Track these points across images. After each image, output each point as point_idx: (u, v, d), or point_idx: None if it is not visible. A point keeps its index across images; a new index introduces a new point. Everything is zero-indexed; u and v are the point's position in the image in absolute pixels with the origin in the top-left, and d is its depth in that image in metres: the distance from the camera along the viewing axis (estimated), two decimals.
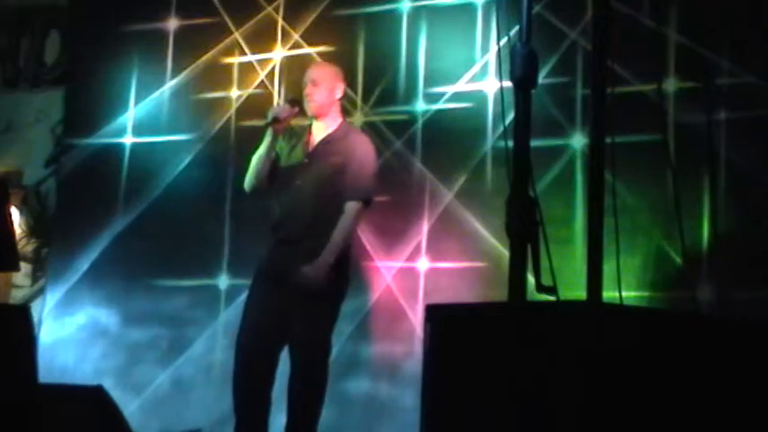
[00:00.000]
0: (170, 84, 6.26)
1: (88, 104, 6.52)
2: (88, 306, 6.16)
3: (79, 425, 3.60)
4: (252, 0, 6.09)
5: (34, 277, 6.57)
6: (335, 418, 4.94)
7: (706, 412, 2.08)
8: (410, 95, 5.65)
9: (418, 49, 5.68)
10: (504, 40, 2.67)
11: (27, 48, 6.95)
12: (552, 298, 2.42)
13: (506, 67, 2.50)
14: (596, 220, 2.36)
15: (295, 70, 5.82)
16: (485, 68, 5.47)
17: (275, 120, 4.42)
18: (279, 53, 6.01)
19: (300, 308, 4.25)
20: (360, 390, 5.35)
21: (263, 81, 6.03)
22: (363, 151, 4.49)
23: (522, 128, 2.43)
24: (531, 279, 2.37)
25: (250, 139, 5.49)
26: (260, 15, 6.09)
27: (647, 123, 4.22)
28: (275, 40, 6.04)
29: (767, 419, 2.14)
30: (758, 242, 4.72)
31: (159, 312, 5.93)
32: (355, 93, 5.70)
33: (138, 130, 6.30)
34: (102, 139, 6.37)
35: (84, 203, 6.32)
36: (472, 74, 5.49)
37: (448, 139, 5.49)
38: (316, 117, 4.52)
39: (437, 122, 5.56)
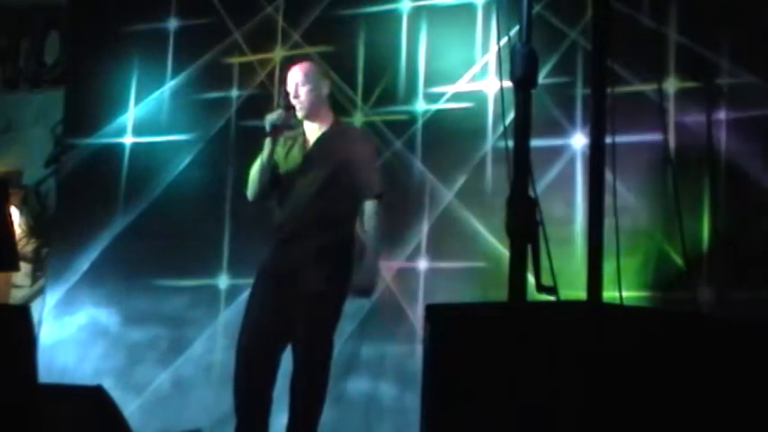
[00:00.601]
0: (170, 84, 6.27)
1: (88, 104, 6.51)
2: (88, 306, 6.16)
3: (79, 425, 3.60)
4: (252, 0, 6.10)
5: (34, 277, 6.58)
6: (335, 418, 4.94)
7: (706, 412, 2.08)
8: (410, 95, 5.65)
9: (418, 49, 5.68)
10: (504, 40, 2.67)
11: (27, 48, 6.95)
12: (552, 298, 2.42)
13: (506, 67, 2.50)
14: (596, 220, 2.36)
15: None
16: (485, 68, 5.47)
17: (274, 128, 4.40)
18: (279, 53, 6.01)
19: (303, 308, 4.24)
20: (360, 390, 5.35)
21: (263, 81, 6.03)
22: (364, 148, 4.50)
23: (522, 128, 2.43)
24: (531, 279, 2.37)
25: (250, 140, 5.49)
26: (260, 15, 6.09)
27: (647, 123, 4.22)
28: (275, 40, 6.04)
29: (767, 419, 2.14)
30: (758, 242, 4.73)
31: (159, 312, 5.93)
32: (355, 93, 5.70)
33: (138, 130, 6.31)
34: (102, 139, 6.37)
35: (84, 203, 6.32)
36: (472, 74, 5.50)
37: (448, 139, 5.50)
38: (308, 118, 4.47)
39: (437, 122, 5.56)
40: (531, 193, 2.42)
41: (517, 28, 2.54)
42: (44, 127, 6.77)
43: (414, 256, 5.44)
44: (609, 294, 2.49)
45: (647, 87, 4.76)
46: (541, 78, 2.59)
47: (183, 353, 5.85)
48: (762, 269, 4.66)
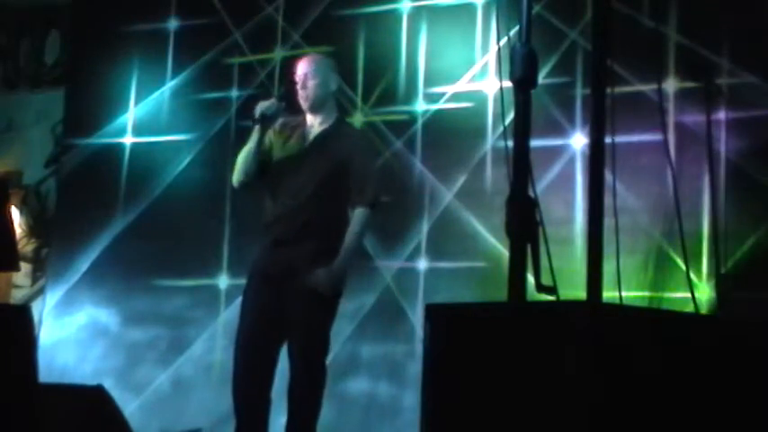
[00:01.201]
0: (170, 84, 6.27)
1: (88, 104, 6.52)
2: (88, 306, 6.16)
3: (79, 425, 3.60)
4: (252, 0, 6.10)
5: (34, 277, 6.58)
6: (335, 418, 4.94)
7: (706, 412, 2.08)
8: (410, 95, 5.66)
9: (418, 49, 5.68)
10: (504, 40, 2.67)
11: (27, 48, 6.95)
12: (552, 298, 2.42)
13: (506, 67, 2.50)
14: (596, 220, 2.36)
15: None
16: (485, 68, 5.47)
17: (264, 117, 4.29)
18: (279, 53, 6.01)
19: (298, 308, 4.22)
20: (360, 390, 5.35)
21: (263, 81, 6.03)
22: (365, 152, 4.42)
23: (522, 128, 2.43)
24: (531, 279, 2.37)
25: None
26: (260, 15, 6.09)
27: (647, 123, 4.22)
28: (275, 40, 6.05)
29: (767, 419, 2.14)
30: (758, 242, 4.73)
31: (159, 312, 5.94)
32: (355, 93, 5.70)
33: (138, 130, 6.31)
34: (102, 139, 6.37)
35: (84, 203, 6.32)
36: (472, 74, 5.50)
37: (448, 139, 5.50)
38: (311, 111, 4.37)
39: (437, 122, 5.56)
40: (531, 193, 2.42)
41: (517, 28, 2.54)
42: (44, 127, 6.77)
43: (414, 256, 5.45)
44: (609, 294, 2.49)
45: (647, 87, 4.76)
46: (541, 78, 2.59)
47: (183, 353, 5.85)
48: (762, 269, 4.66)
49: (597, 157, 2.38)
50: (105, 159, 6.32)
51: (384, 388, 5.34)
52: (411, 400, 4.98)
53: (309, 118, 4.41)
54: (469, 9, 5.55)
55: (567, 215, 5.04)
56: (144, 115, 6.31)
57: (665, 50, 5.00)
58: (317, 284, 4.16)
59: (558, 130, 5.16)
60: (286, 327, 4.25)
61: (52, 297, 6.28)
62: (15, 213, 6.40)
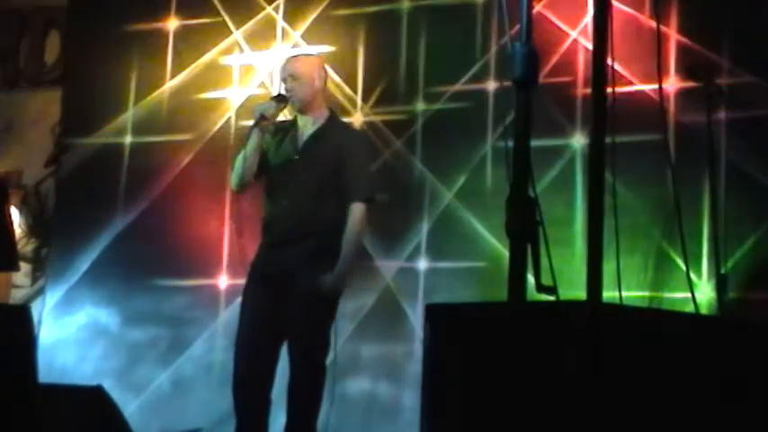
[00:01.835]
0: (170, 84, 6.26)
1: (88, 104, 6.52)
2: (88, 306, 6.16)
3: (79, 425, 3.60)
4: (252, 0, 6.10)
5: (34, 277, 6.57)
6: (335, 418, 4.94)
7: (706, 413, 2.08)
8: (410, 95, 5.65)
9: (418, 49, 5.68)
10: (504, 40, 2.67)
11: (27, 48, 6.95)
12: (552, 298, 2.42)
13: (506, 66, 2.50)
14: (596, 220, 2.36)
15: None
16: (485, 68, 5.47)
17: (263, 117, 4.30)
18: (279, 53, 6.01)
19: (297, 308, 4.22)
20: (360, 390, 5.35)
21: (263, 81, 6.03)
22: (359, 148, 4.43)
23: (522, 128, 2.43)
24: (531, 279, 2.37)
25: None
26: (260, 15, 6.09)
27: (647, 123, 4.22)
28: (275, 39, 6.05)
29: (766, 419, 2.14)
30: (758, 242, 4.73)
31: (159, 312, 5.93)
32: (355, 93, 5.70)
33: (137, 130, 6.30)
34: (101, 138, 6.37)
35: (83, 203, 6.31)
36: (472, 74, 5.49)
37: (448, 139, 5.50)
38: (301, 111, 4.38)
39: (437, 122, 5.56)
40: (531, 193, 2.42)
41: (517, 28, 2.54)
42: (44, 127, 6.76)
43: (414, 256, 5.45)
44: (609, 294, 2.49)
45: (647, 87, 4.76)
46: (541, 78, 2.58)
47: (183, 353, 5.85)
48: (762, 269, 4.66)
49: (597, 157, 2.38)
50: (105, 159, 6.32)
51: (384, 388, 5.34)
52: (411, 400, 4.98)
53: (301, 118, 4.42)
54: (469, 9, 5.55)
55: (567, 215, 5.04)
56: (143, 115, 6.31)
57: (665, 50, 5.00)
58: (322, 290, 4.17)
59: (558, 130, 5.16)
60: (285, 327, 4.25)
61: (52, 297, 6.28)
62: (15, 213, 6.40)
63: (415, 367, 4.94)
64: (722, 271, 4.59)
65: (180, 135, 6.17)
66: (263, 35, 6.07)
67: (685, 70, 4.90)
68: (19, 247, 5.49)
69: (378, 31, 5.80)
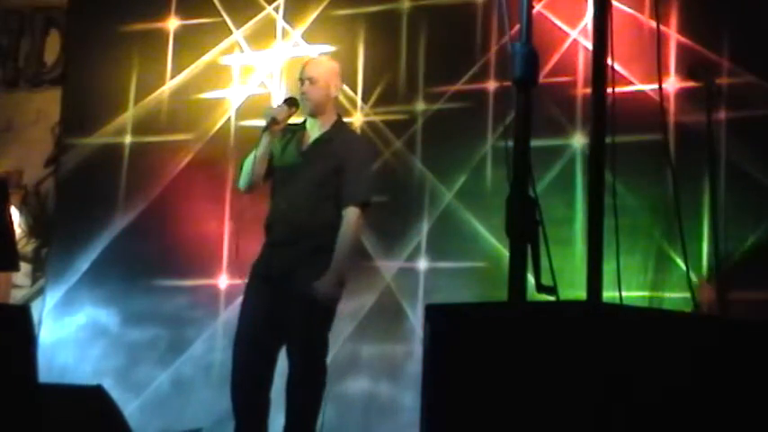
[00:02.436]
0: (170, 84, 6.26)
1: (88, 104, 6.51)
2: (88, 306, 6.16)
3: (79, 425, 3.60)
4: (252, 0, 6.10)
5: (34, 277, 6.57)
6: (335, 418, 4.94)
7: (706, 412, 2.08)
8: (410, 95, 5.65)
9: (418, 49, 5.67)
10: (504, 40, 2.67)
11: (27, 48, 6.94)
12: (552, 298, 2.42)
13: (507, 66, 2.50)
14: (596, 220, 2.36)
15: (295, 70, 5.82)
16: (485, 68, 5.47)
17: (274, 121, 4.35)
18: (279, 53, 6.01)
19: (296, 309, 4.23)
20: (360, 390, 5.35)
21: (263, 81, 6.03)
22: (360, 153, 4.45)
23: (522, 128, 2.43)
24: (531, 279, 2.37)
25: (250, 140, 5.47)
26: (260, 15, 6.09)
27: (647, 123, 4.22)
28: (275, 39, 6.04)
29: (767, 419, 2.14)
30: (758, 242, 4.73)
31: (159, 312, 5.93)
32: (355, 93, 5.70)
33: (137, 130, 6.30)
34: (101, 138, 6.37)
35: (83, 203, 6.31)
36: (472, 74, 5.49)
37: (448, 139, 5.49)
38: (312, 114, 4.43)
39: (437, 122, 5.56)
40: (531, 193, 2.42)
41: (517, 28, 2.54)
42: (44, 127, 6.76)
43: (414, 256, 5.44)
44: (609, 294, 2.49)
45: (647, 87, 4.76)
46: (541, 78, 2.58)
47: (182, 353, 5.85)
48: (762, 269, 4.66)
49: (597, 157, 2.38)
50: (105, 159, 6.32)
51: (384, 388, 5.33)
52: (411, 400, 4.98)
53: (309, 122, 4.46)
54: (469, 9, 5.55)
55: (567, 215, 5.04)
56: (143, 115, 6.31)
57: (666, 50, 5.00)
58: (318, 297, 4.18)
59: (558, 130, 5.16)
60: (285, 327, 4.26)
61: (52, 297, 6.28)
62: (15, 213, 6.40)
63: (415, 367, 4.93)
64: (722, 271, 4.59)
65: (180, 135, 6.17)
66: (263, 35, 6.07)
67: (685, 70, 4.90)
68: (19, 247, 5.48)
69: (378, 31, 5.80)
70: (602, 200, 2.38)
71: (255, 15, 6.09)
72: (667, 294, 4.71)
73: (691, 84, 4.87)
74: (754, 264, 4.69)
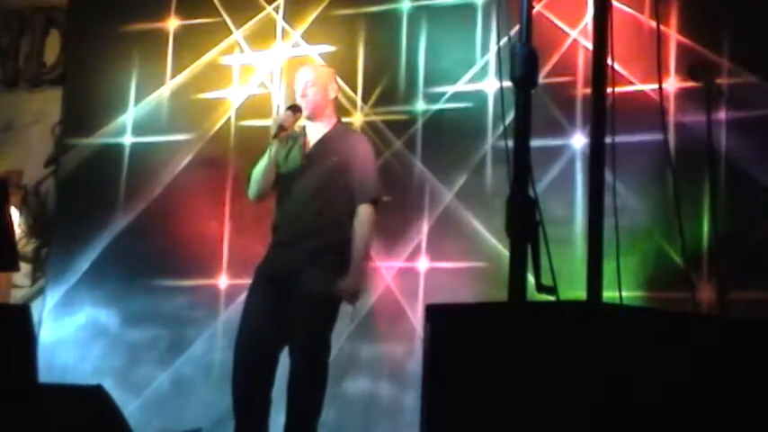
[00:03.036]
0: (170, 84, 6.26)
1: (88, 104, 6.52)
2: (88, 306, 6.16)
3: (79, 425, 3.60)
4: (252, 0, 6.10)
5: (34, 277, 6.57)
6: (335, 418, 4.94)
7: (706, 412, 2.08)
8: (410, 95, 5.66)
9: (418, 49, 5.68)
10: (504, 40, 2.67)
11: (27, 48, 6.94)
12: (552, 298, 2.42)
13: (506, 66, 2.50)
14: (596, 220, 2.36)
15: (295, 70, 5.81)
16: (485, 68, 5.47)
17: (281, 128, 4.41)
18: (279, 53, 6.02)
19: (299, 309, 4.24)
20: (360, 390, 5.35)
21: (262, 81, 6.03)
22: (364, 151, 4.48)
23: (522, 128, 2.43)
24: (531, 279, 2.37)
25: (250, 139, 5.50)
26: (260, 15, 6.09)
27: (647, 123, 4.22)
28: (275, 39, 6.05)
29: (767, 419, 2.14)
30: (758, 242, 4.72)
31: (159, 312, 5.93)
32: (355, 93, 5.70)
33: (137, 130, 6.30)
34: (101, 138, 6.37)
35: (83, 203, 6.31)
36: (472, 74, 5.50)
37: (448, 139, 5.50)
38: (311, 119, 4.48)
39: (437, 122, 5.56)
40: (531, 193, 2.42)
41: (517, 28, 2.54)
42: (44, 127, 6.76)
43: (414, 256, 5.44)
44: (609, 294, 2.49)
45: (647, 87, 4.76)
46: (541, 78, 2.59)
47: (182, 353, 5.85)
48: (762, 269, 4.66)
49: (597, 157, 2.38)
50: (105, 159, 6.32)
51: (384, 388, 5.33)
52: (411, 400, 4.98)
53: (310, 127, 4.51)
54: (469, 9, 5.55)
55: (567, 215, 5.04)
56: (143, 115, 6.31)
57: (665, 50, 5.00)
58: (343, 296, 4.27)
59: (558, 130, 5.16)
60: (288, 327, 4.26)
61: (52, 297, 6.28)
62: (15, 213, 6.40)
63: (415, 367, 4.94)
64: (722, 271, 4.59)
65: (180, 135, 6.17)
66: (263, 35, 6.07)
67: (685, 70, 4.90)
68: (19, 247, 5.49)
69: (378, 31, 5.80)
70: (602, 200, 2.38)
71: (255, 15, 6.09)
72: (667, 294, 4.71)
73: (691, 84, 4.87)
74: (754, 264, 4.68)
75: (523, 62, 2.45)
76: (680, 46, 5.03)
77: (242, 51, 6.11)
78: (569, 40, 5.24)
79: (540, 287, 2.39)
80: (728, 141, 4.82)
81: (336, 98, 4.60)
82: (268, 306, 4.31)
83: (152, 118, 6.28)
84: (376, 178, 4.46)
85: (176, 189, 6.08)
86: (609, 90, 2.42)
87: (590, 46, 2.69)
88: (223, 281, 5.86)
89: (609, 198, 2.45)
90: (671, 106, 4.92)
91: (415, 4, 5.74)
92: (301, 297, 4.23)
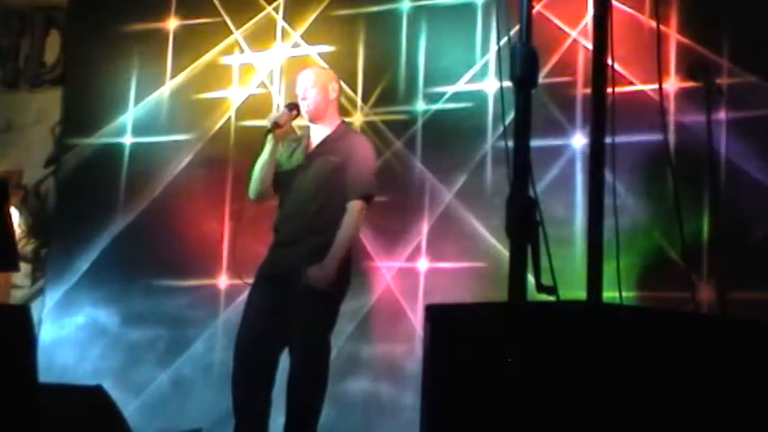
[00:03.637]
0: (170, 84, 6.26)
1: (88, 104, 6.52)
2: (87, 306, 6.16)
3: (79, 425, 3.60)
4: (252, 0, 6.10)
5: (34, 277, 6.57)
6: (335, 418, 4.94)
7: (706, 412, 2.08)
8: (410, 95, 5.66)
9: (418, 49, 5.68)
10: (504, 40, 2.67)
11: (27, 48, 6.94)
12: (552, 298, 2.42)
13: (506, 66, 2.50)
14: (596, 220, 2.36)
15: (295, 70, 5.80)
16: (485, 68, 5.47)
17: (276, 125, 4.43)
18: (279, 53, 6.02)
19: (300, 309, 4.24)
20: (360, 390, 5.35)
21: (263, 81, 6.03)
22: (362, 150, 4.49)
23: (522, 128, 2.43)
24: (531, 279, 2.37)
25: (250, 139, 5.49)
26: (260, 15, 6.09)
27: (647, 123, 4.22)
28: (275, 39, 6.05)
29: (767, 419, 2.14)
30: (758, 242, 4.72)
31: (159, 312, 5.93)
32: (355, 93, 5.70)
33: (137, 130, 6.31)
34: (101, 138, 6.37)
35: (83, 203, 6.32)
36: (472, 74, 5.49)
37: (448, 139, 5.49)
38: (313, 120, 4.52)
39: (437, 122, 5.56)
40: (531, 193, 2.42)
41: (517, 28, 2.54)
42: (44, 127, 6.76)
43: (414, 256, 5.44)
44: (609, 294, 2.49)
45: (647, 87, 4.76)
46: (541, 78, 2.58)
47: (182, 353, 5.85)
48: (762, 269, 4.65)
49: (597, 157, 2.38)
50: (105, 159, 6.32)
51: (384, 388, 5.33)
52: (411, 399, 4.98)
53: (314, 128, 4.54)
54: (469, 9, 5.55)
55: (567, 215, 5.04)
56: (143, 115, 6.31)
57: (666, 50, 4.99)
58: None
59: (558, 130, 5.16)
60: (288, 327, 4.26)
61: (52, 297, 6.28)
62: (15, 213, 6.40)
63: (414, 367, 4.94)
64: (722, 271, 4.59)
65: (180, 135, 6.17)
66: (263, 35, 6.07)
67: (685, 70, 4.90)
68: (19, 247, 5.49)
69: (378, 31, 5.80)
70: (602, 200, 2.38)
71: (255, 15, 6.09)
72: (667, 294, 4.71)
73: (691, 84, 4.86)
74: (754, 264, 4.68)
75: (523, 62, 2.45)
76: (680, 46, 5.03)
77: (242, 51, 6.11)
78: (569, 40, 5.23)
79: (540, 287, 2.39)
80: (728, 141, 4.81)
81: (338, 99, 4.61)
82: (268, 306, 4.32)
83: (152, 118, 6.28)
84: (371, 176, 4.46)
85: (176, 189, 6.08)
86: (609, 90, 2.42)
87: (590, 46, 2.69)
88: (223, 281, 5.86)
89: (609, 198, 2.44)
90: (671, 106, 4.92)
91: (415, 4, 5.74)
92: (302, 298, 4.23)
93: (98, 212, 6.22)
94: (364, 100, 5.71)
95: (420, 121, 5.60)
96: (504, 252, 4.41)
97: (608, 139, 2.41)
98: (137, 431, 4.11)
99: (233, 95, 6.09)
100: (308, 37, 5.93)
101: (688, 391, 2.07)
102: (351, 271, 4.42)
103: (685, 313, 3.06)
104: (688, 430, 2.06)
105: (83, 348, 6.12)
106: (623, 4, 4.83)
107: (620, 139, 2.57)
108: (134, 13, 6.40)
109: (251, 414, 4.27)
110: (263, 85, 6.03)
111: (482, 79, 5.47)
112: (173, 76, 6.26)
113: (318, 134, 4.53)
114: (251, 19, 6.10)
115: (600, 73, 2.42)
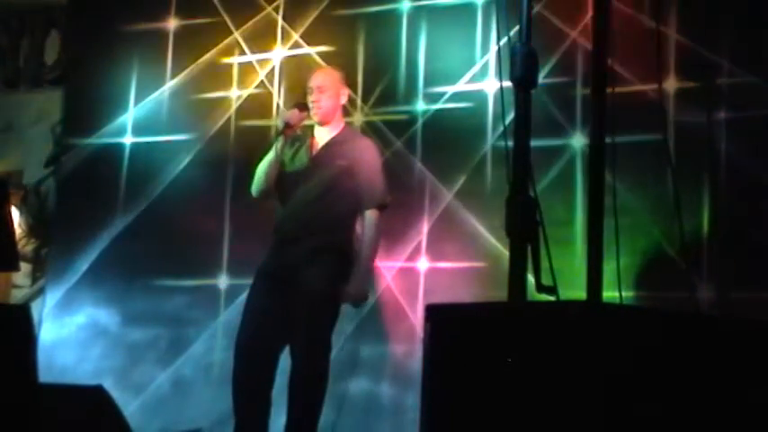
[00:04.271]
0: (170, 84, 6.26)
1: (88, 104, 6.51)
2: (88, 306, 6.15)
3: (79, 425, 3.60)
4: (252, 0, 6.09)
5: (34, 277, 6.57)
6: (335, 418, 4.94)
7: (706, 412, 2.08)
8: (410, 95, 5.65)
9: (418, 49, 5.67)
10: (504, 40, 2.67)
11: (27, 48, 6.95)
12: (552, 298, 2.42)
13: (506, 66, 2.50)
14: (596, 220, 2.36)
15: (295, 70, 5.84)
16: (485, 68, 5.47)
17: (287, 126, 4.44)
18: (279, 53, 6.02)
19: (300, 308, 4.25)
20: (360, 390, 5.35)
21: (262, 81, 6.03)
22: (371, 156, 4.53)
23: (522, 128, 2.43)
24: (531, 279, 2.37)
25: (250, 139, 5.50)
26: (260, 15, 6.09)
27: (647, 123, 4.22)
28: (275, 39, 6.04)
29: (767, 419, 2.14)
30: (758, 242, 4.72)
31: (159, 312, 5.93)
32: (355, 93, 5.69)
33: (137, 130, 6.30)
34: (101, 138, 6.37)
35: (83, 203, 6.31)
36: (472, 74, 5.49)
37: (448, 139, 5.49)
38: (322, 123, 4.54)
39: (437, 122, 5.56)
40: (531, 193, 2.42)
41: (517, 28, 2.54)
42: (44, 127, 6.77)
43: (414, 256, 5.44)
44: (609, 294, 2.50)
45: (647, 87, 4.76)
46: (541, 78, 2.59)
47: (182, 353, 5.85)
48: (762, 269, 4.65)
49: (597, 157, 2.38)
50: (105, 159, 6.32)
51: (384, 388, 5.33)
52: (411, 399, 4.98)
53: (319, 130, 4.56)
54: (469, 9, 5.55)
55: (567, 215, 5.04)
56: (143, 115, 6.31)
57: (665, 50, 4.99)
58: (345, 299, 4.32)
59: (558, 130, 5.16)
60: (288, 327, 4.26)
61: (52, 297, 6.28)
62: (15, 213, 6.40)
63: (415, 367, 4.93)
64: (722, 271, 4.59)
65: (180, 135, 6.17)
66: (263, 35, 6.07)
67: (685, 70, 4.90)
68: (19, 247, 5.49)
69: (378, 31, 5.80)
70: (602, 200, 2.38)
71: (255, 15, 6.09)
72: (667, 294, 4.71)
73: (691, 84, 4.87)
74: (754, 264, 4.68)
75: (523, 62, 2.46)
76: (680, 46, 5.03)
77: (242, 51, 6.11)
78: (569, 40, 5.23)
79: (540, 287, 2.39)
80: (728, 141, 4.81)
81: (346, 103, 4.66)
82: (269, 305, 4.32)
83: (152, 118, 6.28)
84: (383, 183, 4.51)
85: (176, 189, 6.08)
86: (609, 90, 2.42)
87: (590, 46, 2.69)
88: (223, 281, 5.86)
89: (609, 198, 2.45)
90: (671, 106, 4.92)
91: (415, 4, 5.74)
92: (302, 296, 4.24)
93: (98, 212, 6.22)
94: (364, 100, 5.71)
95: (420, 121, 5.60)
96: (504, 252, 4.41)
97: (608, 139, 2.42)
98: (137, 431, 4.11)
99: (233, 95, 6.09)
100: (308, 37, 5.93)
101: (688, 391, 2.07)
102: (350, 272, 4.42)
103: (685, 313, 3.06)
104: (688, 430, 2.06)
105: (83, 348, 6.12)
106: (623, 4, 4.82)
107: (620, 139, 2.57)
108: (134, 13, 6.40)
109: (251, 414, 4.27)
110: (262, 85, 6.03)
111: (482, 79, 5.47)
112: (173, 76, 6.25)
113: (323, 135, 4.54)
114: (251, 19, 6.10)
115: (600, 73, 2.42)
